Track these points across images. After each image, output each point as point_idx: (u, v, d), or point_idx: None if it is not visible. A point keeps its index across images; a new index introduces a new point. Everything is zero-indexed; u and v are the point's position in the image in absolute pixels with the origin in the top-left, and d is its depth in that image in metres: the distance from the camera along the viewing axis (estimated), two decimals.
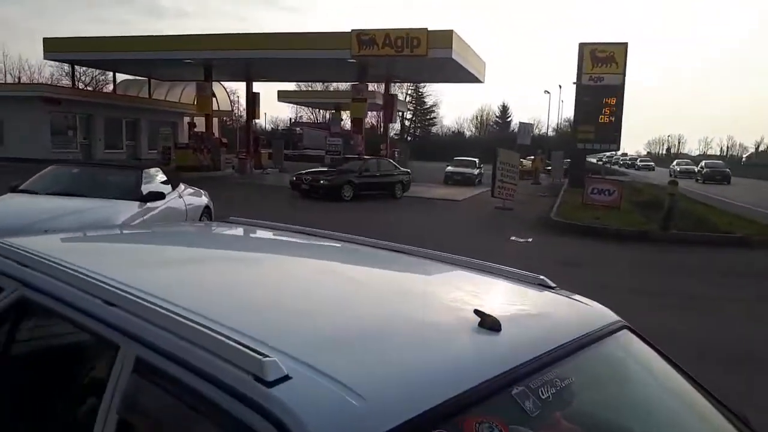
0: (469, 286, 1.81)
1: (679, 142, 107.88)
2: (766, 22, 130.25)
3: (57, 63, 45.28)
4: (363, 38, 21.07)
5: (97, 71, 46.44)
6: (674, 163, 54.66)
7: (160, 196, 7.43)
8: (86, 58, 27.17)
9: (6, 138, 27.08)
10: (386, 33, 20.85)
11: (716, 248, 11.51)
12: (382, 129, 47.99)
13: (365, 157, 22.01)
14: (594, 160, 48.67)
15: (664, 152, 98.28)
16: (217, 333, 1.14)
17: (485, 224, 15.04)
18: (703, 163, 44.91)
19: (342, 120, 40.06)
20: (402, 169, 21.32)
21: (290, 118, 69.35)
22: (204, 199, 9.62)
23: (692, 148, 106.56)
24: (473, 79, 25.79)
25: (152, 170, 8.56)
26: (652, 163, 67.09)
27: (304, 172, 19.36)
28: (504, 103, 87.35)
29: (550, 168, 34.14)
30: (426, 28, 20.53)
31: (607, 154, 78.95)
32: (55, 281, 1.54)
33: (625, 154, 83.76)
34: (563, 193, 22.33)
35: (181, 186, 8.98)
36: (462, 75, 24.64)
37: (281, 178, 26.58)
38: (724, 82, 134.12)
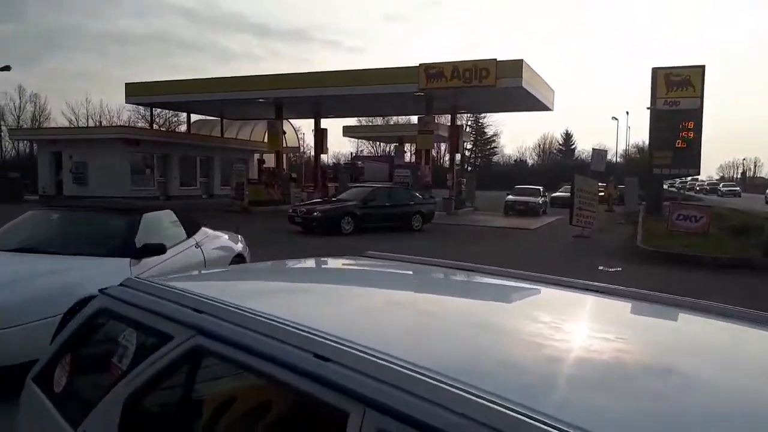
0: (673, 325, 1.60)
1: (755, 165, 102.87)
2: None
3: (134, 107, 47.98)
4: (431, 71, 21.19)
5: (170, 113, 48.70)
6: None
7: (159, 249, 5.59)
8: (164, 100, 28.52)
9: (90, 178, 28.53)
10: (454, 66, 20.91)
11: None
12: (443, 160, 48.04)
13: (374, 185, 20.89)
14: (666, 187, 46.73)
15: (739, 176, 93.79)
16: (483, 398, 0.95)
17: (567, 254, 14.56)
18: (722, 185, 47.18)
19: (405, 152, 40.33)
20: (423, 198, 19.78)
21: (351, 153, 70.59)
22: (237, 246, 7.83)
23: (766, 172, 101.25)
24: (542, 107, 25.47)
25: (161, 213, 6.88)
26: (738, 189, 61.30)
27: (302, 203, 18.94)
28: (567, 131, 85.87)
29: (621, 195, 33.14)
30: (495, 59, 20.47)
31: (679, 180, 75.70)
32: (243, 330, 1.37)
33: (695, 179, 78.88)
34: (642, 221, 21.51)
35: (203, 231, 7.28)
36: (531, 103, 24.37)
37: None
38: None
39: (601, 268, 11.68)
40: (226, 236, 7.93)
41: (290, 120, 36.76)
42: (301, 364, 1.18)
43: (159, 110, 45.19)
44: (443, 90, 21.69)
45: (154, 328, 1.60)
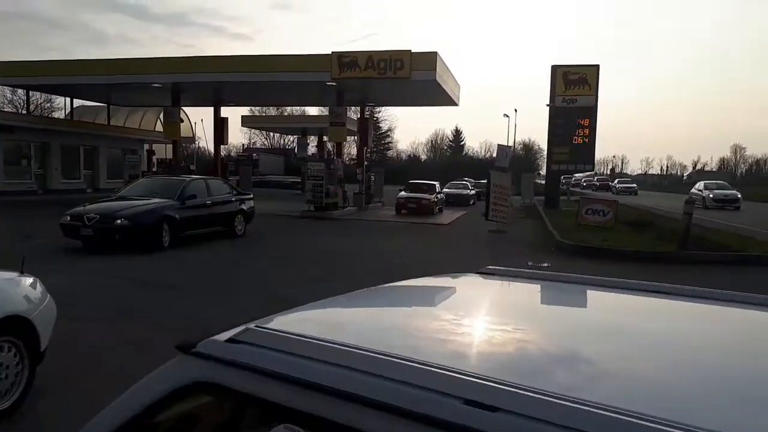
0: None
1: (622, 163, 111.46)
2: (699, 49, 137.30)
3: None
4: (344, 60, 20.51)
5: (42, 98, 44.29)
6: (616, 181, 60.91)
7: None
8: (43, 82, 25.57)
9: None
10: (369, 55, 20.37)
11: (736, 267, 11.30)
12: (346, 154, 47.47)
13: (186, 177, 15.28)
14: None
15: (609, 172, 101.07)
16: None
17: (485, 250, 14.52)
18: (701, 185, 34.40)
19: (308, 144, 39.36)
20: (238, 190, 15.90)
21: (243, 144, 68.05)
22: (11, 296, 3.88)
23: (635, 168, 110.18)
24: (450, 102, 25.59)
25: None
26: (634, 185, 54.95)
27: (84, 205, 12.12)
28: (457, 127, 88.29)
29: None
30: (409, 50, 20.16)
31: (564, 177, 79.50)
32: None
33: (570, 176, 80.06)
34: (545, 215, 22.19)
35: None
36: (440, 98, 24.38)
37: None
38: (664, 103, 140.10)
39: (530, 263, 11.64)
40: None
41: (183, 108, 34.62)
42: (445, 415, 0.89)
43: (28, 95, 40.88)
44: (356, 80, 21.10)
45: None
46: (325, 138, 43.07)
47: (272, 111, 58.40)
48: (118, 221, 11.35)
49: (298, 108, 49.43)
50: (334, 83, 21.41)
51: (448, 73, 22.72)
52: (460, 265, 11.41)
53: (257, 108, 55.51)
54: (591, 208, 17.12)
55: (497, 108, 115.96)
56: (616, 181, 59.26)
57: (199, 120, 64.68)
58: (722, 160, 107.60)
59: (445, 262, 12.08)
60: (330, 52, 20.93)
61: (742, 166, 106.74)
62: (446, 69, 22.26)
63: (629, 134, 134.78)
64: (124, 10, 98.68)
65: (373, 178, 26.56)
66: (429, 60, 20.13)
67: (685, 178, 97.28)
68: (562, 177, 32.26)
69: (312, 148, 40.27)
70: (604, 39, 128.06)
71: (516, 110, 76.43)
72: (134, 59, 23.20)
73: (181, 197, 12.74)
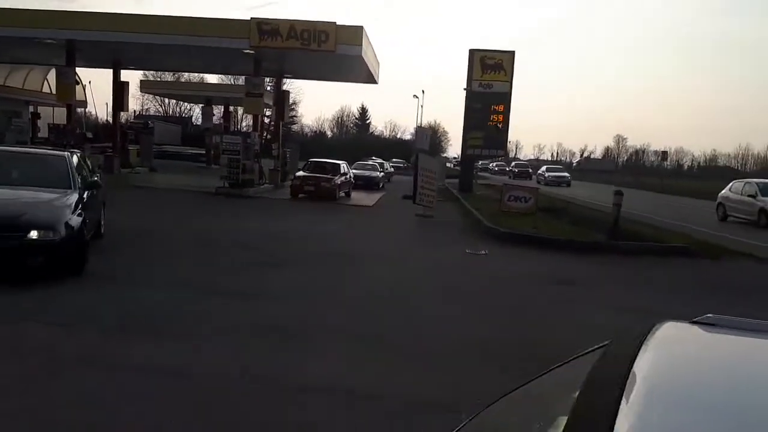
0: None
1: (516, 148, 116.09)
2: (597, 38, 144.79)
3: None
4: (264, 28, 19.23)
5: None
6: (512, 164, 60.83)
7: None
8: None
9: None
10: (291, 24, 19.21)
11: (662, 258, 11.67)
12: (245, 126, 45.53)
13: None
14: (452, 165, 49.37)
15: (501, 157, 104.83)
16: None
17: (420, 235, 14.23)
18: (543, 169, 49.09)
19: (213, 115, 37.18)
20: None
21: (134, 111, 63.31)
22: None
23: (528, 153, 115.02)
24: (370, 79, 24.91)
25: None
26: (567, 175, 45.58)
27: None
28: (363, 105, 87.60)
29: None
30: (335, 23, 19.24)
31: (454, 156, 79.80)
32: None
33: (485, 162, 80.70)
34: (463, 199, 22.27)
35: None
36: (361, 74, 23.63)
37: (154, 178, 23.78)
38: (556, 92, 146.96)
39: (468, 251, 11.41)
40: None
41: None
42: None
43: None
44: (278, 50, 19.90)
45: None
46: (231, 108, 41.14)
47: (168, 77, 54.79)
48: (35, 233, 6.44)
49: (196, 75, 46.72)
50: (251, 51, 20.08)
51: (370, 50, 22.02)
52: (402, 252, 10.90)
53: (151, 72, 51.85)
54: (513, 195, 17.25)
55: (402, 87, 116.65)
56: (543, 169, 48.88)
57: (86, 82, 59.50)
58: (607, 149, 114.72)
59: (389, 247, 11.59)
60: (249, 18, 19.58)
61: (624, 155, 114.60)
62: (369, 45, 21.55)
63: (522, 120, 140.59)
64: None
65: (288, 154, 25.49)
66: (355, 34, 19.32)
67: (574, 165, 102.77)
68: (479, 162, 32.72)
69: (216, 120, 38.06)
70: (504, 23, 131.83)
71: (423, 92, 76.86)
72: (21, 10, 20.56)
73: (81, 186, 7.93)
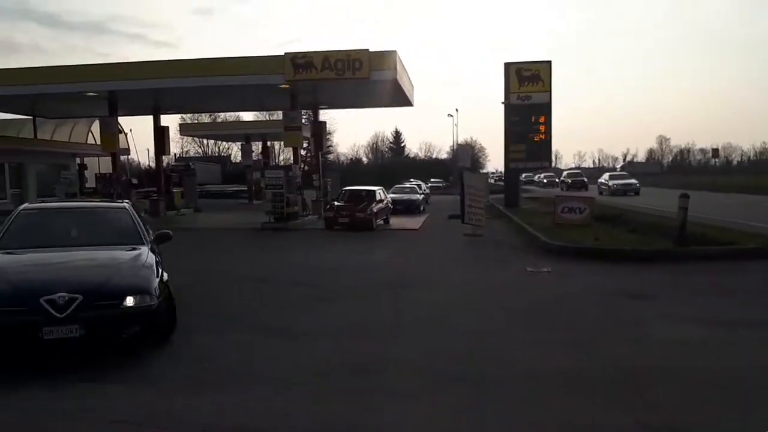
0: None
1: (556, 157, 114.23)
2: (634, 40, 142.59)
3: None
4: (298, 62, 19.28)
5: None
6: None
7: None
8: None
9: None
10: (325, 55, 19.21)
11: (737, 262, 10.93)
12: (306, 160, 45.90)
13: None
14: (492, 181, 46.84)
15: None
16: None
17: (475, 256, 13.72)
18: (606, 177, 41.41)
19: (252, 152, 37.59)
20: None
21: (175, 154, 64.82)
22: None
23: (568, 161, 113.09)
24: (406, 102, 24.72)
25: None
26: (635, 183, 38.23)
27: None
28: (397, 129, 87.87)
29: None
30: (368, 50, 19.14)
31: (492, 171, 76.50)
32: None
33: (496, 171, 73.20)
34: (513, 215, 21.67)
35: None
36: (397, 98, 23.48)
37: (200, 218, 24.00)
38: (591, 97, 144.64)
39: (529, 269, 10.90)
40: None
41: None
42: None
43: None
44: (311, 82, 19.91)
45: None
46: (269, 143, 41.59)
47: (205, 118, 55.88)
48: (131, 299, 5.57)
49: (231, 114, 47.52)
50: (287, 86, 20.15)
51: (405, 73, 21.88)
52: (460, 275, 10.44)
53: (188, 115, 52.95)
54: (567, 206, 16.66)
55: (434, 108, 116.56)
56: (606, 177, 40.68)
57: (128, 130, 61.40)
58: (650, 151, 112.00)
59: (445, 272, 11.14)
60: (283, 53, 19.70)
61: (669, 156, 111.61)
62: (404, 68, 21.42)
63: (560, 128, 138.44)
64: (34, 17, 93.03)
65: (329, 183, 25.42)
66: (389, 59, 19.20)
67: (618, 169, 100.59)
68: (522, 175, 31.97)
69: (255, 156, 38.48)
70: (531, 32, 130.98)
71: (457, 110, 76.56)
72: (63, 66, 21.16)
73: (152, 240, 7.18)
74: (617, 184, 37.72)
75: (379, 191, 21.07)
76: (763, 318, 7.06)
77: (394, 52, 19.35)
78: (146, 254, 6.40)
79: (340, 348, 6.06)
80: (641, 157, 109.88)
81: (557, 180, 53.13)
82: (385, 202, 20.93)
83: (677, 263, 10.99)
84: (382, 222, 20.05)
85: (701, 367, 5.29)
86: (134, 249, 6.52)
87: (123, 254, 6.36)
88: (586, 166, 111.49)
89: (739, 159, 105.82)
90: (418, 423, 4.21)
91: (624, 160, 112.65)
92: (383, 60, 19.21)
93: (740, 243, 11.96)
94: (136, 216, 7.40)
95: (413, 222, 21.75)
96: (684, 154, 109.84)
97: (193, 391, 4.84)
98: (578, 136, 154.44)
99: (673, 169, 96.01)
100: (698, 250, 11.42)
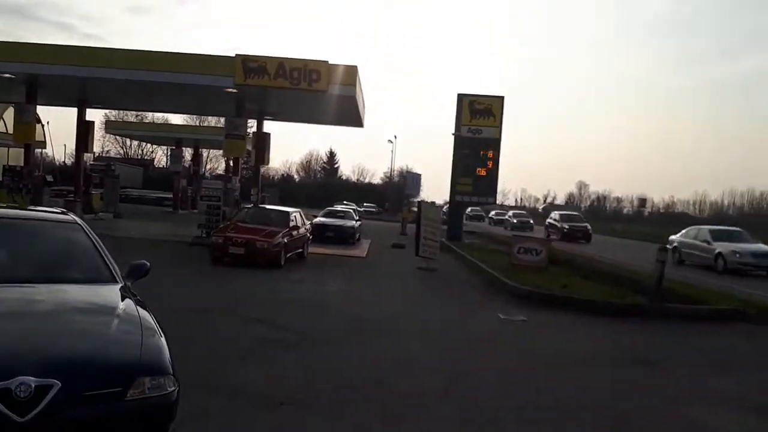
0: None
1: (502, 194, 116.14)
2: (558, 85, 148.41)
3: None
4: (251, 65, 17.74)
5: None
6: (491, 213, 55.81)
7: None
8: None
9: None
10: (280, 62, 17.76)
11: (720, 325, 10.39)
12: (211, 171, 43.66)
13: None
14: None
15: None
16: None
17: (436, 296, 12.55)
18: (556, 216, 36.85)
19: (183, 157, 35.21)
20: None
21: (94, 153, 60.49)
22: None
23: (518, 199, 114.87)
24: (357, 122, 23.55)
25: None
26: (587, 226, 35.00)
27: None
28: (331, 149, 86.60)
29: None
30: (326, 61, 17.87)
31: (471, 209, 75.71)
32: None
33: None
34: (460, 249, 20.83)
35: None
36: (350, 116, 22.27)
37: (120, 225, 21.72)
38: (518, 137, 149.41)
39: (502, 316, 9.89)
40: None
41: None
42: None
43: None
44: (262, 89, 18.39)
45: None
46: (201, 150, 39.27)
47: (130, 117, 52.48)
48: (143, 382, 3.20)
49: (158, 116, 44.75)
50: (234, 90, 18.52)
51: (361, 92, 20.76)
52: (427, 321, 9.26)
53: (112, 113, 49.56)
54: (523, 247, 15.91)
55: (369, 131, 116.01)
56: (556, 216, 37.08)
57: (45, 122, 56.70)
58: (570, 195, 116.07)
59: (408, 314, 9.93)
60: (234, 55, 18.13)
61: (586, 201, 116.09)
62: (361, 87, 20.30)
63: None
64: None
65: (266, 199, 23.78)
66: (350, 74, 17.98)
67: (540, 209, 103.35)
68: (468, 209, 31.28)
69: (185, 162, 36.10)
70: (478, 71, 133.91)
71: (396, 137, 75.99)
72: None
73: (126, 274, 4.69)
74: (569, 227, 34.07)
75: (295, 214, 16.49)
76: None
77: (354, 66, 18.17)
78: (131, 302, 4.00)
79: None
80: (561, 200, 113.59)
81: (504, 218, 50.89)
82: (302, 229, 16.52)
83: (657, 321, 10.27)
84: (294, 256, 15.63)
85: None
86: (106, 288, 4.18)
87: (103, 299, 4.00)
88: (509, 204, 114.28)
89: (650, 210, 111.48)
90: None
91: (544, 201, 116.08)
92: (343, 74, 17.98)
93: (712, 302, 11.49)
94: (95, 236, 4.69)
95: (357, 250, 20.47)
96: (600, 200, 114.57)
97: None
98: (502, 173, 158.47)
99: (590, 214, 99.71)
100: (675, 308, 10.78)
